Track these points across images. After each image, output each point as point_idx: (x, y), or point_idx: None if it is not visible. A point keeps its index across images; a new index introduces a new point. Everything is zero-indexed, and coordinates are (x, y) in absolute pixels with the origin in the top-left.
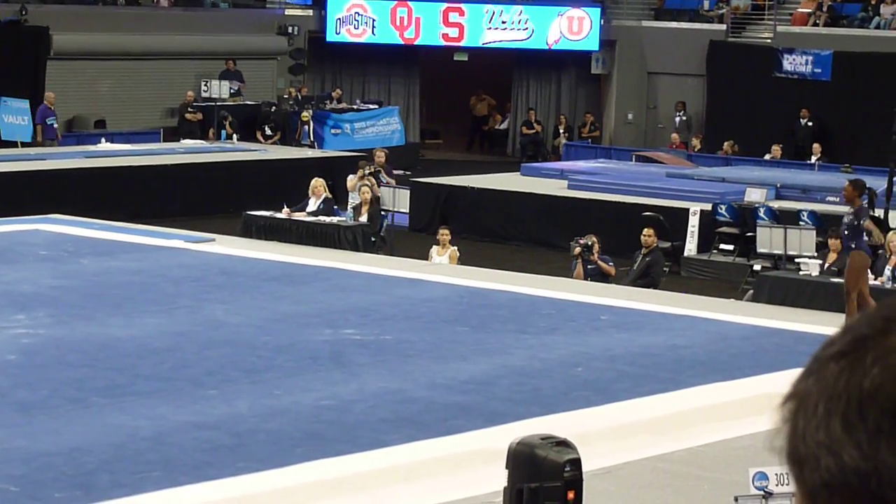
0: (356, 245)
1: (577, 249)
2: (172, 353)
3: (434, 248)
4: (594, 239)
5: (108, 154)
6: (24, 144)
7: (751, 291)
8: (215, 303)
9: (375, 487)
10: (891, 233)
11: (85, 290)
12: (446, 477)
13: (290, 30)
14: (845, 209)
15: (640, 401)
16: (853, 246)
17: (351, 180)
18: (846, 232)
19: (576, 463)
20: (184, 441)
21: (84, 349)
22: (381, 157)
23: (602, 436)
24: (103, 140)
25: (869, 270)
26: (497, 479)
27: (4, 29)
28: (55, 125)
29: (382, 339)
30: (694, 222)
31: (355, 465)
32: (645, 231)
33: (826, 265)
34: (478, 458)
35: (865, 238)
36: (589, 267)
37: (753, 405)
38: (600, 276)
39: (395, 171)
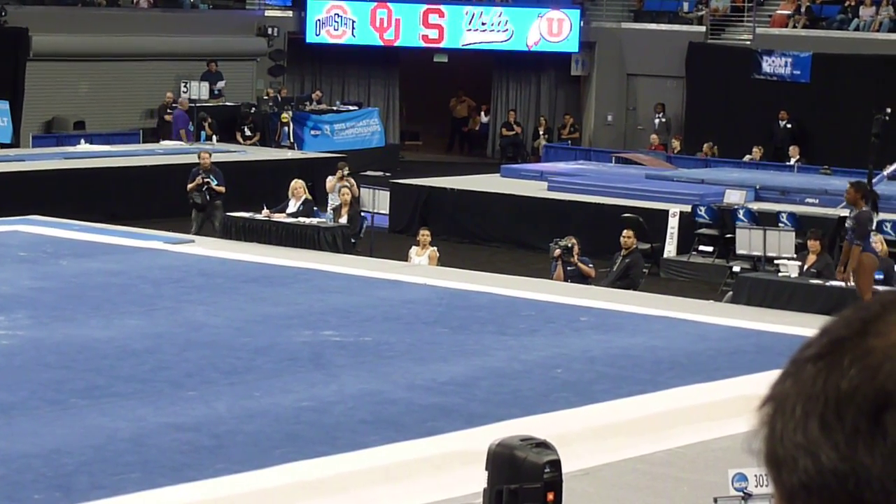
0: (336, 246)
1: (557, 251)
2: (152, 355)
3: (413, 249)
4: (574, 241)
5: (88, 155)
6: (3, 146)
7: (730, 293)
8: (195, 304)
9: (355, 489)
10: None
11: (64, 292)
12: (426, 478)
13: (269, 31)
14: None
15: (620, 402)
16: (858, 243)
17: (330, 182)
18: (851, 232)
19: (555, 464)
20: (163, 442)
21: (63, 351)
22: (206, 159)
23: (581, 437)
24: (82, 141)
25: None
26: (477, 480)
27: None
28: (191, 128)
29: (362, 341)
30: (673, 224)
31: (335, 466)
32: (624, 232)
33: (805, 267)
34: (457, 460)
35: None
36: (569, 269)
37: (732, 406)
38: (580, 278)
39: (374, 173)
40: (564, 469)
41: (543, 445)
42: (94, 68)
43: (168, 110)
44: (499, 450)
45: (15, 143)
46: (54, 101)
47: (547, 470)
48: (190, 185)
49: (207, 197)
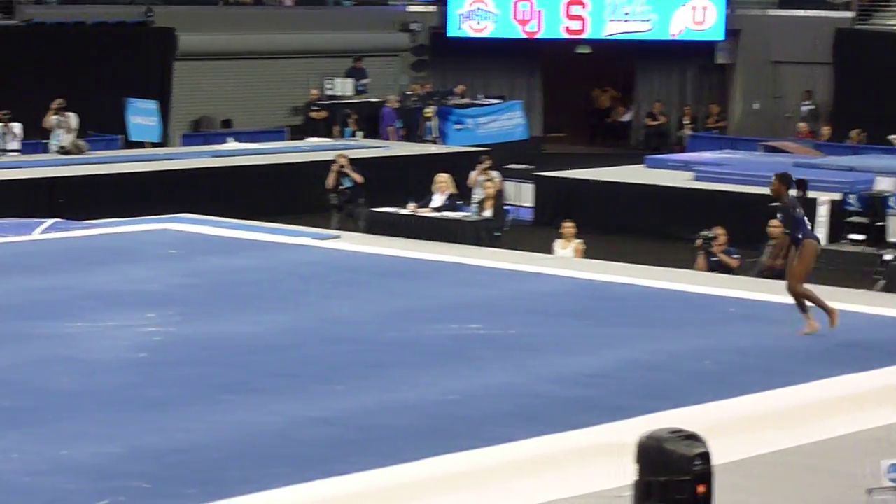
0: (480, 240)
1: (699, 241)
2: (299, 350)
3: (557, 242)
4: (720, 231)
5: (235, 153)
6: (153, 145)
7: (882, 281)
8: (341, 299)
9: (502, 482)
10: None
11: (213, 289)
12: (574, 471)
13: (412, 26)
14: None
15: (770, 393)
16: (800, 237)
17: (472, 176)
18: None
19: (705, 457)
20: (311, 437)
21: (212, 347)
22: (342, 159)
23: (731, 429)
24: (230, 139)
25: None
26: (626, 473)
27: (131, 30)
28: (398, 125)
29: (507, 334)
30: (823, 212)
31: (481, 459)
32: (771, 222)
33: None
34: (605, 453)
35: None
36: (712, 259)
37: (885, 396)
38: (724, 269)
39: (518, 166)
40: (714, 461)
41: (692, 438)
42: (240, 66)
43: (314, 107)
44: (647, 442)
45: (164, 143)
46: (201, 100)
47: (696, 462)
48: (328, 182)
49: (344, 198)
